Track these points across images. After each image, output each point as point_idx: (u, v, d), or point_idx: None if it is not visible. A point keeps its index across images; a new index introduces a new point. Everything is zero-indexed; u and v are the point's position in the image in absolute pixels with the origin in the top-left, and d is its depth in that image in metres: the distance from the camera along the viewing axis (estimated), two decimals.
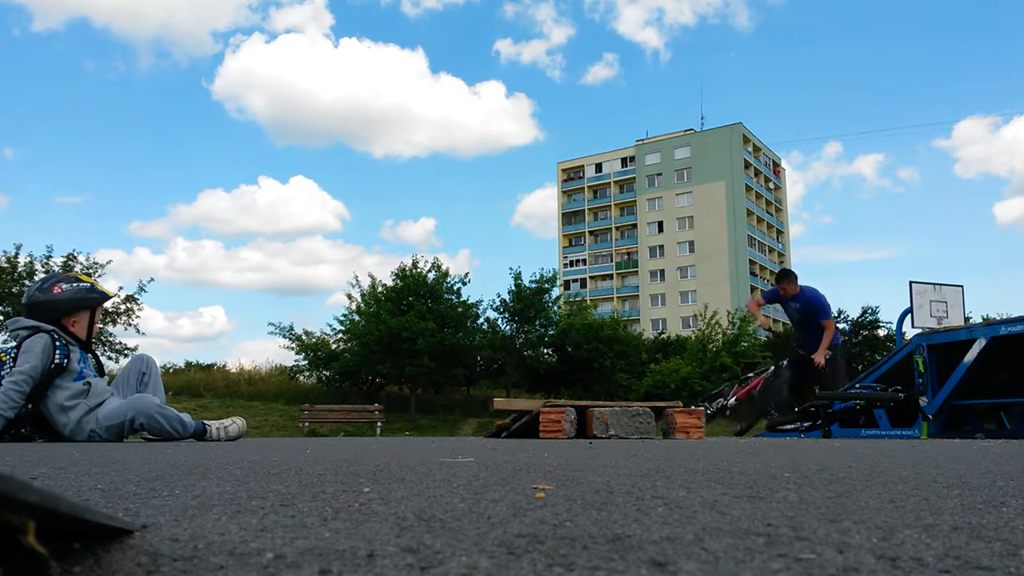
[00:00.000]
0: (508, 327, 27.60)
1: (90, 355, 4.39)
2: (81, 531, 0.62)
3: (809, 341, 7.43)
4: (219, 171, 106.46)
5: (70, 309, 4.26)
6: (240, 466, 1.77)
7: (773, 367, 7.76)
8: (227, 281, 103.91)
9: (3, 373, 4.05)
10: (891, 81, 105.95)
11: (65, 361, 4.12)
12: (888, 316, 33.73)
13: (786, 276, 7.69)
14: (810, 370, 7.40)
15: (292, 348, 25.60)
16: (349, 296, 26.13)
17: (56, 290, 4.25)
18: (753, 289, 65.07)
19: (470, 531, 0.76)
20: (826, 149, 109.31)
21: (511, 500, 1.05)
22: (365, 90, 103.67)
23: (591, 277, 72.62)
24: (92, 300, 4.35)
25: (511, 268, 38.06)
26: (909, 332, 12.59)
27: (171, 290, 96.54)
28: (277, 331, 25.60)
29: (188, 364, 31.10)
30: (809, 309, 7.47)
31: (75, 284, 4.33)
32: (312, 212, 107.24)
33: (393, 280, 25.68)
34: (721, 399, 8.06)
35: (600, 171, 75.44)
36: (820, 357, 7.25)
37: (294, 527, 0.79)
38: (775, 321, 8.32)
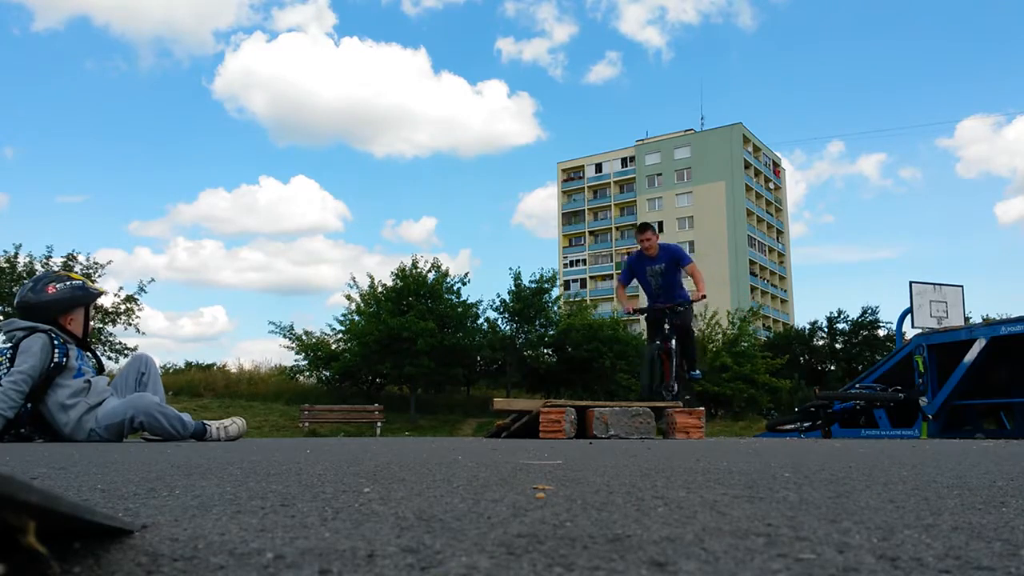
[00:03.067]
0: (508, 327, 27.58)
1: (88, 353, 4.40)
2: (81, 531, 0.62)
3: (674, 294, 7.23)
4: (220, 171, 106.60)
5: (66, 308, 4.27)
6: (240, 466, 1.77)
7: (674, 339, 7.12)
8: (228, 281, 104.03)
9: (0, 373, 4.05)
10: (894, 80, 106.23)
11: (64, 359, 4.13)
12: (888, 316, 33.79)
13: (648, 226, 7.29)
14: (670, 318, 7.15)
15: (292, 348, 25.60)
16: (348, 296, 26.13)
17: (50, 290, 4.25)
18: (753, 289, 65.13)
19: (470, 531, 0.76)
20: (828, 148, 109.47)
21: (511, 500, 1.05)
22: (367, 89, 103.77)
23: (591, 277, 72.60)
24: (86, 297, 4.37)
25: (511, 268, 38.02)
26: (909, 332, 12.61)
27: (171, 290, 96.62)
28: (277, 331, 25.60)
29: (188, 364, 31.09)
30: (672, 260, 7.15)
31: (67, 283, 4.34)
32: (313, 212, 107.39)
33: (393, 280, 25.68)
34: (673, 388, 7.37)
35: (600, 171, 75.43)
36: (703, 289, 7.13)
37: (294, 527, 0.79)
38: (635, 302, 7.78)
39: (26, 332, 4.14)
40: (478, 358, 27.45)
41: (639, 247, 7.31)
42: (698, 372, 7.36)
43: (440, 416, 25.06)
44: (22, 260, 20.43)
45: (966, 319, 13.22)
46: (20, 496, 0.45)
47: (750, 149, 71.04)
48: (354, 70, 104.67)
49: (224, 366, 29.75)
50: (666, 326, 7.07)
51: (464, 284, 26.48)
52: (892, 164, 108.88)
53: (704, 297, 7.21)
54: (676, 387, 7.07)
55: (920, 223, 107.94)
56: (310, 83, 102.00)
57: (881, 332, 32.95)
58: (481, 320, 26.92)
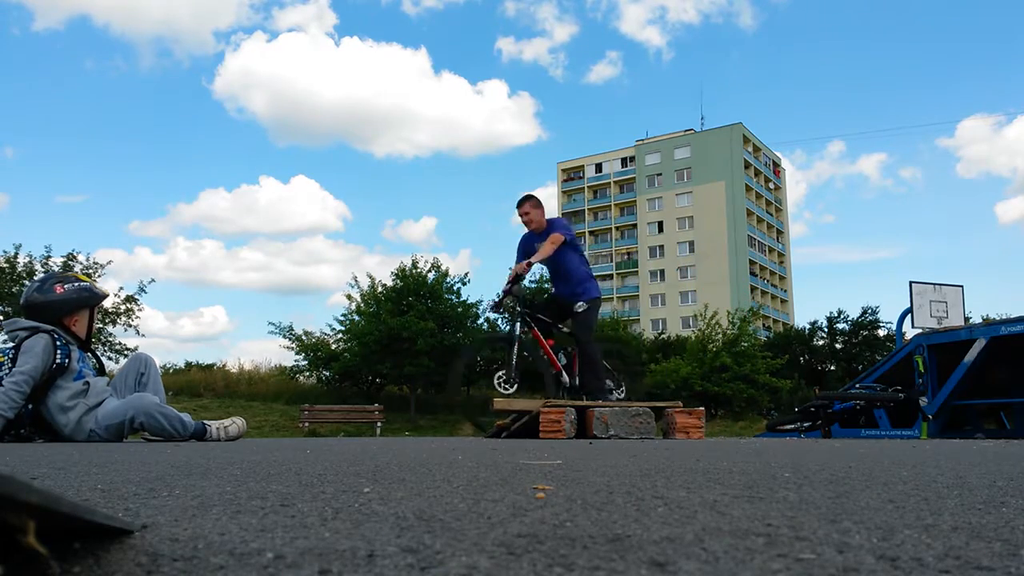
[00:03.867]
0: (508, 327, 27.57)
1: (89, 354, 4.39)
2: (81, 531, 0.62)
3: (572, 281, 6.03)
4: (220, 171, 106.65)
5: (72, 309, 4.27)
6: (240, 466, 1.77)
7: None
8: (228, 281, 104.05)
9: (2, 374, 4.05)
10: (894, 80, 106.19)
11: (66, 361, 4.13)
12: (888, 316, 33.76)
13: (529, 198, 5.97)
14: (565, 315, 6.13)
15: (292, 348, 25.60)
16: (348, 296, 26.14)
17: (58, 290, 4.25)
18: (753, 289, 65.13)
19: (470, 531, 0.76)
20: (829, 148, 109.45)
21: (511, 500, 1.05)
22: (367, 89, 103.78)
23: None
24: (92, 298, 4.37)
25: (511, 268, 38.00)
26: (909, 332, 12.60)
27: (171, 290, 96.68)
28: (277, 331, 25.60)
29: (188, 364, 31.08)
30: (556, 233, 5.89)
31: (75, 284, 4.34)
32: (313, 212, 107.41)
33: (393, 280, 25.68)
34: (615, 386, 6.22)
35: (600, 171, 75.44)
36: (537, 257, 5.71)
37: (294, 527, 0.79)
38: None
39: (29, 332, 4.13)
40: (478, 358, 27.46)
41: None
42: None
43: (440, 416, 25.05)
44: (22, 260, 20.40)
45: (966, 319, 13.22)
46: (20, 496, 0.45)
47: (750, 149, 71.03)
48: (354, 70, 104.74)
49: (224, 366, 29.74)
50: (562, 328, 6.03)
51: (464, 284, 26.51)
52: (892, 164, 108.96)
53: (529, 266, 5.77)
54: (570, 380, 5.92)
55: (920, 223, 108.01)
56: (310, 83, 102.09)
57: (881, 332, 32.94)
58: (481, 320, 26.94)
